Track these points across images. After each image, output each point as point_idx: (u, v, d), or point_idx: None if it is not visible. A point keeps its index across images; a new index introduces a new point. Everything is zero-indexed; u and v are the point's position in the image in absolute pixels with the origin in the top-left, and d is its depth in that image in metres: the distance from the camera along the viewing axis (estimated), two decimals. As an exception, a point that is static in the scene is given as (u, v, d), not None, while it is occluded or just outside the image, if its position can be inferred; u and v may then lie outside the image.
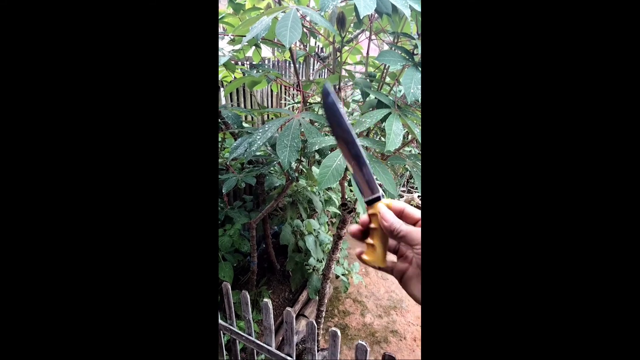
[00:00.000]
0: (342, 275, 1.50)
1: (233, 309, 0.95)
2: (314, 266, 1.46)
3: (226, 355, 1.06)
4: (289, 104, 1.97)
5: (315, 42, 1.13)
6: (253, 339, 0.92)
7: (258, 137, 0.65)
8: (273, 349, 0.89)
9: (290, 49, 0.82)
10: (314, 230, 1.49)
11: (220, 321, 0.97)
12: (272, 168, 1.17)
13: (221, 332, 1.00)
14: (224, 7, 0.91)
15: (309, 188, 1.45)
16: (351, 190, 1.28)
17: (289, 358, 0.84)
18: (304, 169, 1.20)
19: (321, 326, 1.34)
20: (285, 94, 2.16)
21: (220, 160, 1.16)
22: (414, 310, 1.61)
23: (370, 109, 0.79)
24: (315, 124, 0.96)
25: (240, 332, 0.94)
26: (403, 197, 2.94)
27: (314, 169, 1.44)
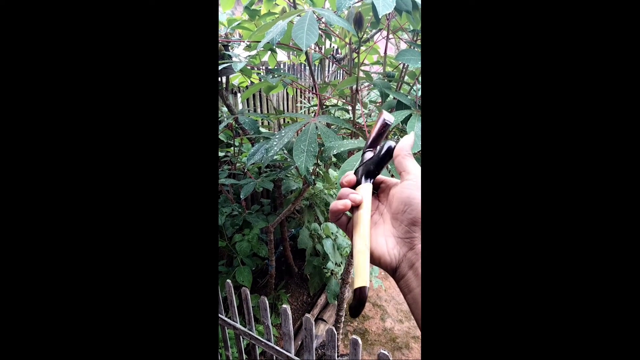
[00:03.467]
0: (361, 279, 1.47)
1: (252, 314, 0.95)
2: (332, 270, 1.45)
3: (246, 358, 1.06)
4: (305, 107, 1.97)
5: (331, 44, 1.11)
6: (272, 344, 0.92)
7: (275, 142, 0.64)
8: (292, 355, 0.88)
9: (306, 52, 0.81)
10: (332, 233, 1.47)
11: (239, 325, 0.98)
12: (289, 171, 1.17)
13: (240, 336, 1.00)
14: (239, 14, 0.92)
15: (325, 191, 1.43)
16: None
17: (308, 365, 0.83)
18: (320, 172, 1.19)
19: (340, 331, 1.32)
20: (301, 97, 2.16)
21: (238, 165, 1.17)
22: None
23: (389, 110, 0.76)
24: (332, 127, 0.95)
25: (259, 337, 0.94)
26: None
27: (331, 171, 1.43)
